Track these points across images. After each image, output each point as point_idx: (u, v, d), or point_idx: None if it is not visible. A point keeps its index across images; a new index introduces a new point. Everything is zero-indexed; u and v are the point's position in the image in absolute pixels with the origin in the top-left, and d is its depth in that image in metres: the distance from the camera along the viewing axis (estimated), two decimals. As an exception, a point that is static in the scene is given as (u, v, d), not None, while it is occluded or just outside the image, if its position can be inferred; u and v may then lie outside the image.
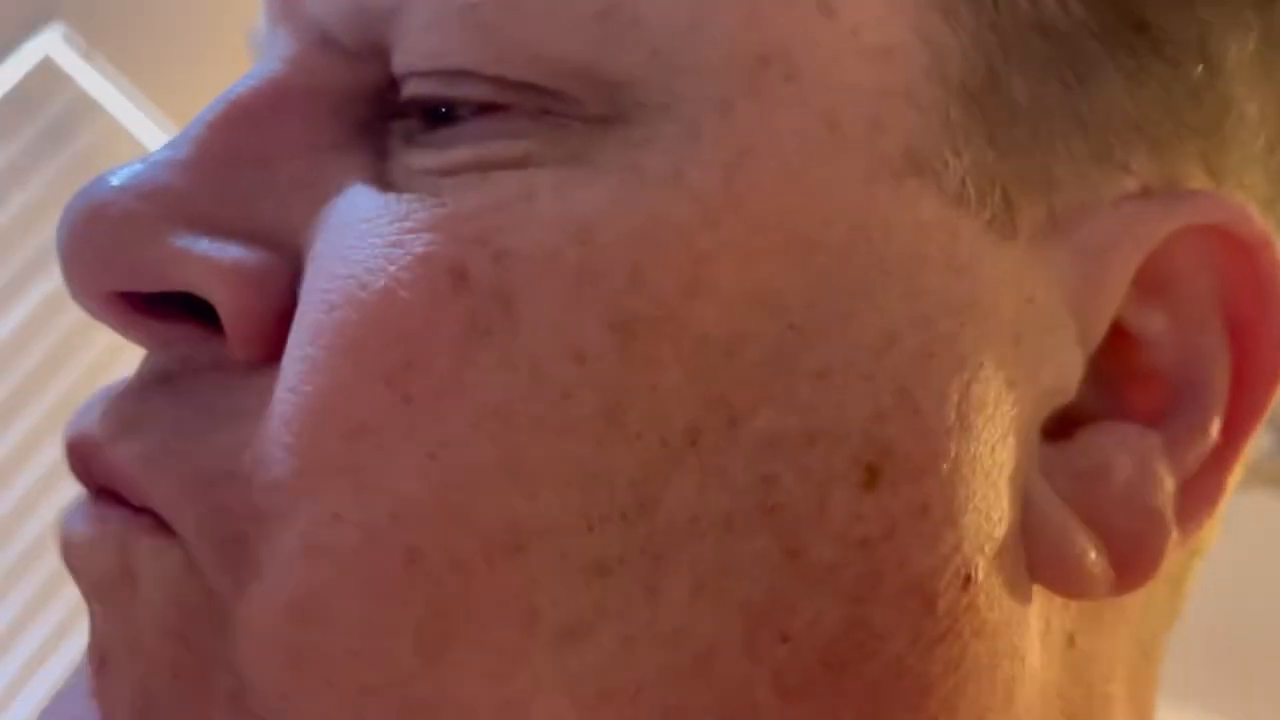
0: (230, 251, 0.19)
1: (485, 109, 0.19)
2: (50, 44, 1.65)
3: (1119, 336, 0.20)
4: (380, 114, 0.20)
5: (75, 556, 0.19)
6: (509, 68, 0.18)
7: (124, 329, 0.20)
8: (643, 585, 0.17)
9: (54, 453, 1.70)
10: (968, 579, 0.18)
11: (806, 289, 0.17)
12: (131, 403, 0.19)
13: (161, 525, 0.18)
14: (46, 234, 1.71)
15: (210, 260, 0.19)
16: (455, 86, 0.19)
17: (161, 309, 0.19)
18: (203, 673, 0.18)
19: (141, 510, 0.19)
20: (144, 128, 1.74)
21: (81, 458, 0.20)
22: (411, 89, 0.19)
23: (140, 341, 0.20)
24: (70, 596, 1.69)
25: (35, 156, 1.71)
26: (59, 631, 1.69)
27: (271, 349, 0.19)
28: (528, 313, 0.17)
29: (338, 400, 0.17)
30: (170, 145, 0.20)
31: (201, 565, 0.18)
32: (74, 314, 1.78)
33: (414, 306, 0.17)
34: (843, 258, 0.18)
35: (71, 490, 0.21)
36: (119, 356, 1.75)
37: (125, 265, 0.19)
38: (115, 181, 0.19)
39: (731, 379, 0.17)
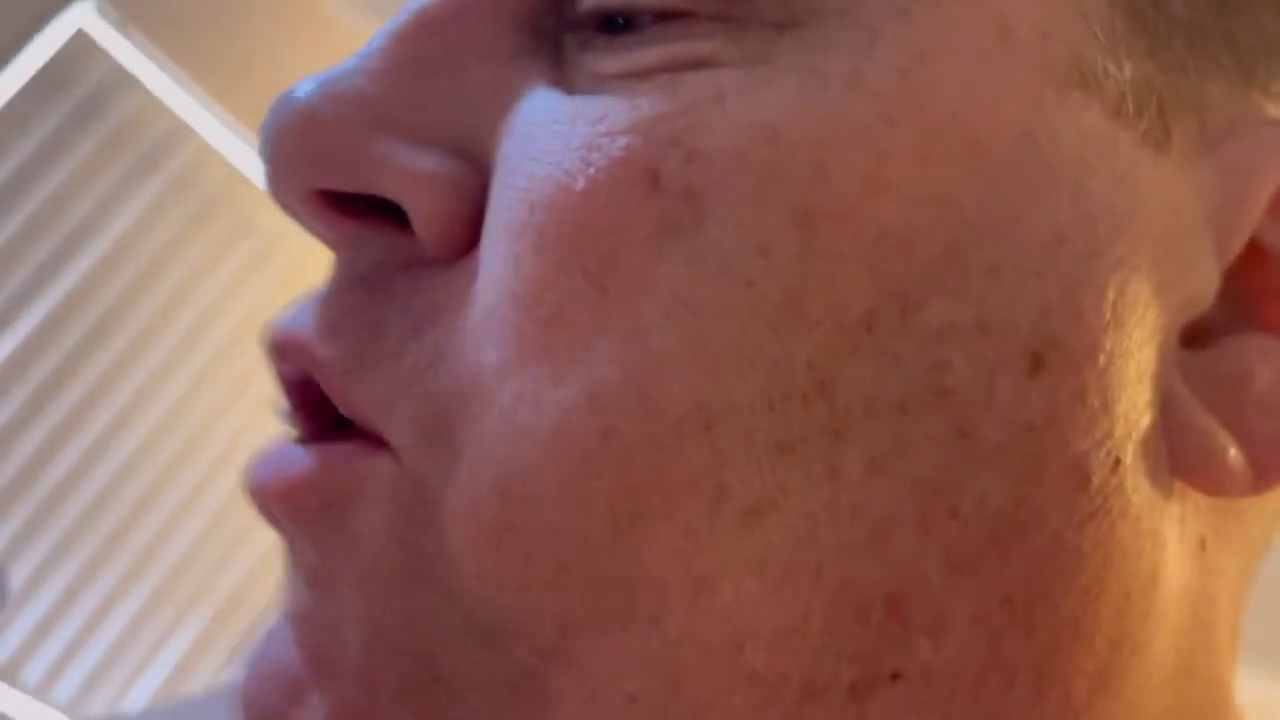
0: (428, 159, 0.20)
1: (665, 16, 0.19)
2: (84, 17, 1.65)
3: (1255, 253, 0.21)
4: (554, 25, 0.21)
5: (281, 498, 0.20)
6: None
7: (320, 227, 0.21)
8: (823, 463, 0.18)
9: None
10: (1117, 461, 0.19)
11: (979, 189, 0.18)
12: (333, 304, 0.20)
13: (368, 439, 0.19)
14: (85, 207, 1.71)
15: (410, 167, 0.19)
16: None
17: (353, 208, 0.20)
18: (424, 573, 0.18)
19: (344, 429, 0.20)
20: (178, 99, 1.74)
21: (287, 355, 0.21)
22: None
23: (332, 240, 0.21)
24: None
25: (71, 129, 1.71)
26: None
27: (462, 249, 0.20)
28: (716, 210, 0.18)
29: (539, 291, 0.18)
30: (361, 55, 0.21)
31: (411, 461, 0.19)
32: (112, 291, 1.77)
33: (612, 207, 0.18)
34: (1013, 161, 0.18)
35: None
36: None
37: (331, 165, 0.20)
38: (317, 87, 0.20)
39: (907, 271, 0.18)
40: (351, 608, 0.19)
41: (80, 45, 1.68)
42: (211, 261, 1.80)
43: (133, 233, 1.74)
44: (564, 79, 0.20)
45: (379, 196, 0.20)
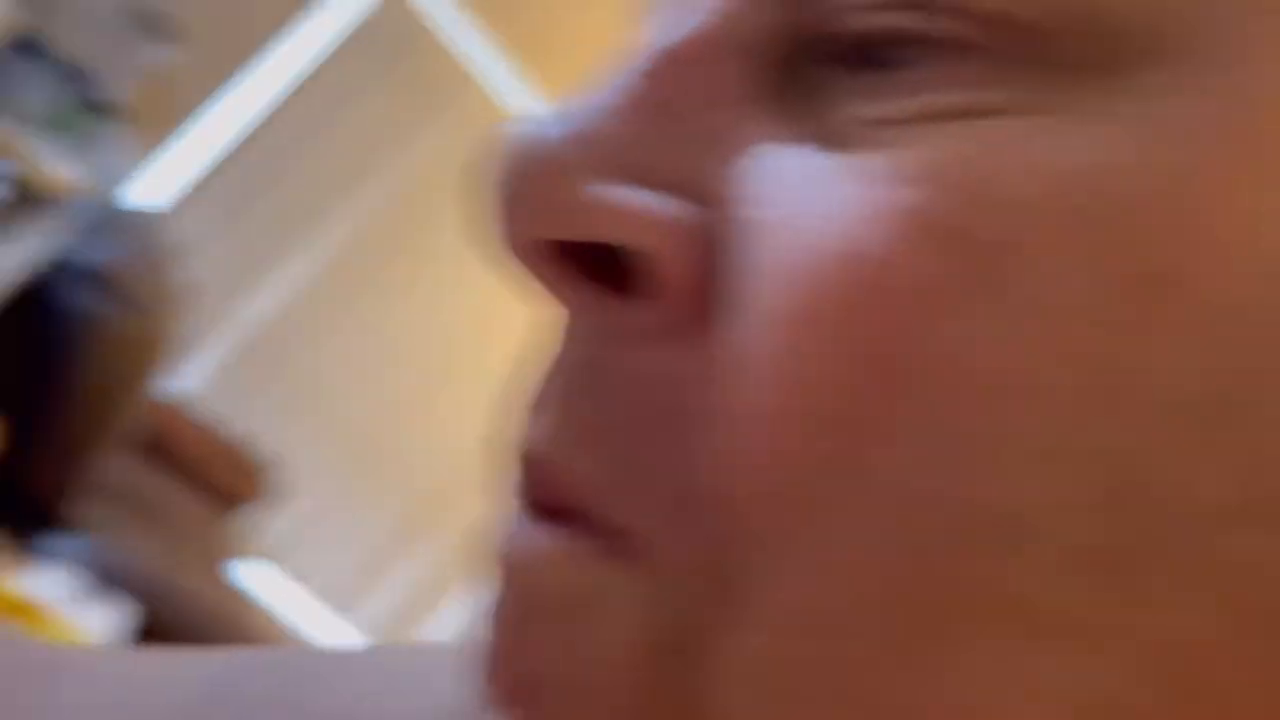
0: (668, 205, 0.18)
1: (936, 51, 0.17)
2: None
3: None
4: (799, 59, 0.18)
5: (520, 571, 0.18)
6: None
7: (544, 279, 0.19)
8: (1139, 581, 0.16)
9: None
10: None
11: None
12: (573, 409, 0.19)
13: (631, 548, 0.17)
14: (378, 146, 1.83)
15: (652, 213, 0.18)
16: (908, 18, 0.17)
17: (582, 263, 0.19)
18: (670, 708, 0.17)
19: (608, 531, 0.18)
20: (469, 49, 1.84)
21: (538, 479, 0.19)
22: (853, 22, 0.18)
23: (553, 293, 0.19)
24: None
25: (374, 74, 1.81)
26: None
27: (702, 312, 0.17)
28: (1026, 271, 0.16)
29: (815, 385, 0.16)
30: (598, 91, 0.19)
31: (681, 594, 0.17)
32: (397, 224, 1.88)
33: (894, 271, 0.16)
34: None
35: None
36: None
37: (561, 213, 0.18)
38: (548, 126, 0.19)
39: (1255, 353, 0.15)
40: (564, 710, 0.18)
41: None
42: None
43: (417, 173, 1.85)
44: (812, 126, 0.18)
45: (608, 247, 0.18)
